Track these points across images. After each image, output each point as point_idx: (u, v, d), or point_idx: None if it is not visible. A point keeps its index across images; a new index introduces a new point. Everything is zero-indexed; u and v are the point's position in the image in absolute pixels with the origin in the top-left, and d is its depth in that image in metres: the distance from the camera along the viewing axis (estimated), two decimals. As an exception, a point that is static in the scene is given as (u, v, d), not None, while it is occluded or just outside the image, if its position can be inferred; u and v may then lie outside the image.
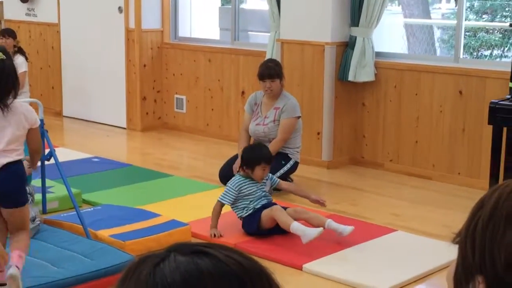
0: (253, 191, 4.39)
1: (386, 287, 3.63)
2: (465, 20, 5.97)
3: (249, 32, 8.64)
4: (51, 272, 3.52)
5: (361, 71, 5.81)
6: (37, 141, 3.50)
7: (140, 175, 5.66)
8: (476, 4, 8.66)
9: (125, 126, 7.50)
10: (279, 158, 5.31)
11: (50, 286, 3.35)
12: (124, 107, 7.47)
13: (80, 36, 7.75)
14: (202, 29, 7.76)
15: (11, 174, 3.31)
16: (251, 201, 4.36)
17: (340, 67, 5.89)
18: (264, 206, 4.32)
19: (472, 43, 8.35)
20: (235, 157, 5.41)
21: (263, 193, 4.43)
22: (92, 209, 4.65)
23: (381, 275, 3.76)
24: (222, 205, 4.37)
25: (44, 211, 4.54)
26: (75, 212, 4.19)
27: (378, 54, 5.91)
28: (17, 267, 3.18)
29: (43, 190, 4.52)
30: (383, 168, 5.90)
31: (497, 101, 4.70)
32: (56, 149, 4.35)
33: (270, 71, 5.28)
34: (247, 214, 4.34)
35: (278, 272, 0.89)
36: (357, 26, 5.79)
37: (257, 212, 4.30)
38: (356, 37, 5.80)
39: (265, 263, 0.88)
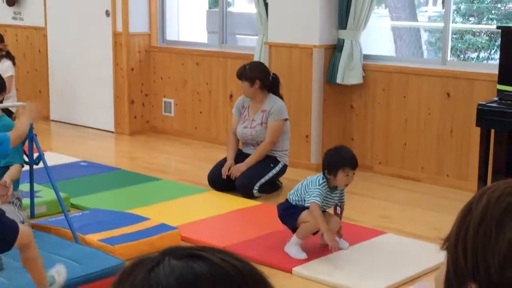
0: (326, 199, 4.05)
1: (376, 290, 3.63)
2: (452, 22, 5.99)
3: (237, 35, 8.64)
4: (39, 277, 3.49)
5: (349, 74, 5.82)
6: None
7: (128, 179, 5.64)
8: (462, 7, 8.70)
9: (113, 130, 7.47)
10: (268, 161, 5.31)
11: (39, 291, 3.33)
12: (112, 111, 7.45)
13: (67, 39, 7.72)
14: (190, 32, 7.76)
15: None
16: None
17: (328, 70, 5.90)
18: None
19: (459, 45, 8.39)
20: (224, 160, 5.41)
21: (331, 204, 4.10)
22: (80, 213, 4.62)
23: (371, 278, 3.76)
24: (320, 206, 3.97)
25: (32, 216, 4.51)
26: (63, 217, 4.17)
27: (366, 57, 5.92)
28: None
29: (31, 194, 4.49)
30: (372, 170, 5.91)
31: (485, 103, 4.72)
32: (44, 153, 4.32)
33: (238, 72, 5.37)
34: (296, 202, 4.08)
35: (268, 275, 0.89)
36: (345, 29, 5.81)
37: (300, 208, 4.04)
38: (344, 40, 5.81)
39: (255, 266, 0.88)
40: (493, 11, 8.67)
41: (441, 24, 6.07)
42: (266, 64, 5.85)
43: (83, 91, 7.69)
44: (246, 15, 8.66)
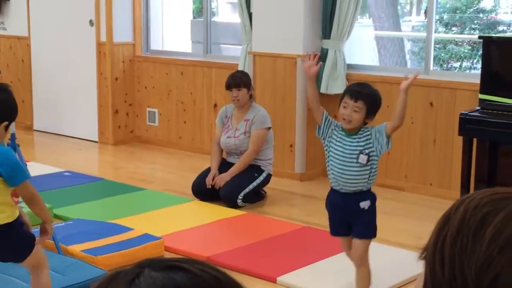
0: (333, 143, 3.46)
1: (360, 299, 3.64)
2: (435, 32, 6.04)
3: (221, 45, 8.65)
4: (22, 288, 3.47)
5: (333, 84, 5.85)
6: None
7: (112, 189, 5.62)
8: (445, 17, 8.77)
9: (97, 140, 7.45)
10: (252, 170, 5.32)
11: (21, 302, 3.30)
12: (95, 121, 7.42)
13: (50, 49, 7.69)
14: (174, 42, 7.76)
15: None
16: (328, 157, 3.50)
17: (312, 80, 5.90)
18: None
19: (442, 55, 8.45)
20: (208, 170, 5.41)
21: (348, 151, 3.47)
22: (63, 223, 4.60)
23: (355, 287, 3.76)
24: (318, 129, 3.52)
25: (14, 227, 4.48)
26: (46, 227, 4.14)
27: (349, 66, 5.94)
28: None
29: (14, 205, 4.46)
30: (356, 179, 5.92)
31: (467, 112, 4.75)
32: (27, 163, 4.30)
33: (236, 80, 5.32)
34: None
35: (252, 285, 0.89)
36: (329, 38, 5.83)
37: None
38: (327, 49, 5.83)
39: (239, 276, 0.88)
40: (475, 21, 8.75)
41: (424, 34, 6.11)
42: (250, 73, 5.86)
43: (66, 101, 7.67)
44: (231, 25, 8.67)
